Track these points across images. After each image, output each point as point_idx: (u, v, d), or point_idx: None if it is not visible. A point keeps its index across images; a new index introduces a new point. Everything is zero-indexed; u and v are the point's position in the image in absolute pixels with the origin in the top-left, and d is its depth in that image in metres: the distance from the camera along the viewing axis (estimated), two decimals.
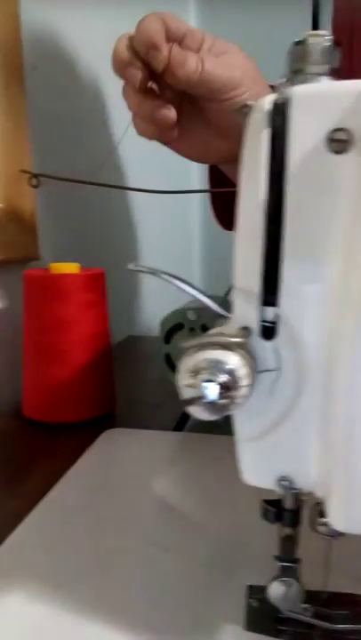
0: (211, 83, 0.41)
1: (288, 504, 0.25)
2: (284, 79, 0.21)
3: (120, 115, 0.50)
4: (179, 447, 0.48)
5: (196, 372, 0.20)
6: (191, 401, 0.20)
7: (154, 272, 0.26)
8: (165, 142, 0.48)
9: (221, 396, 0.20)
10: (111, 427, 0.52)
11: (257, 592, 0.28)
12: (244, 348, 0.21)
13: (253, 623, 0.27)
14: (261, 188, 0.21)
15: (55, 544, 0.33)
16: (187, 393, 0.20)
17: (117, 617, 0.27)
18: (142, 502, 0.38)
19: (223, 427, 0.49)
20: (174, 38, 0.41)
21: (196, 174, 1.20)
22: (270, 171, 0.21)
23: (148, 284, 1.05)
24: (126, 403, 0.59)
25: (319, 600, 0.26)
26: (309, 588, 0.26)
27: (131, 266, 0.27)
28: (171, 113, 0.44)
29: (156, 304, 1.04)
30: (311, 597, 0.26)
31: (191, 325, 0.52)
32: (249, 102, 0.22)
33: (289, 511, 0.25)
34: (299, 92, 0.20)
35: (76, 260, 0.54)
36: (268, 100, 0.21)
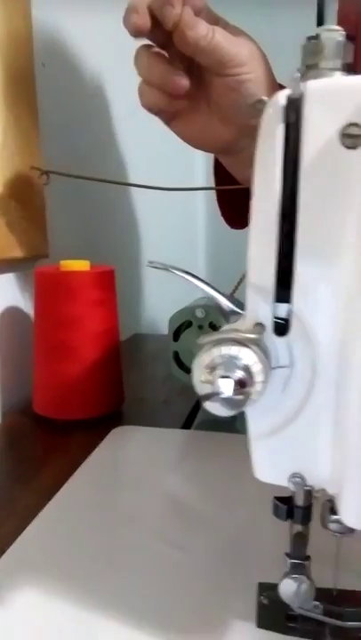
0: (219, 53, 0.42)
1: (299, 501, 0.25)
2: (298, 74, 0.21)
3: (127, 107, 0.49)
4: (187, 444, 0.48)
5: (212, 367, 0.20)
6: (207, 397, 0.20)
7: (169, 268, 0.27)
8: (169, 120, 0.47)
9: (237, 391, 0.20)
10: (120, 424, 0.52)
11: (267, 589, 0.28)
12: (258, 345, 0.21)
13: (264, 620, 0.27)
14: (276, 184, 0.21)
15: (68, 540, 0.33)
16: (203, 389, 0.20)
17: (129, 614, 0.27)
18: (152, 499, 0.38)
19: (230, 424, 0.50)
20: (191, 7, 0.41)
21: (200, 172, 1.20)
22: (284, 167, 0.21)
23: (154, 282, 1.06)
24: (134, 400, 0.59)
25: (329, 597, 0.26)
26: (319, 586, 0.26)
27: (148, 263, 0.27)
28: (183, 79, 0.43)
29: (161, 302, 1.04)
30: (321, 595, 0.26)
31: (200, 323, 0.52)
32: (263, 98, 0.22)
33: (300, 508, 0.25)
34: (313, 86, 0.20)
35: (84, 257, 0.54)
36: (282, 95, 0.21)
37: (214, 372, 0.19)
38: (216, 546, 0.33)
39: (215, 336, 0.21)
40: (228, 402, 0.19)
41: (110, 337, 0.54)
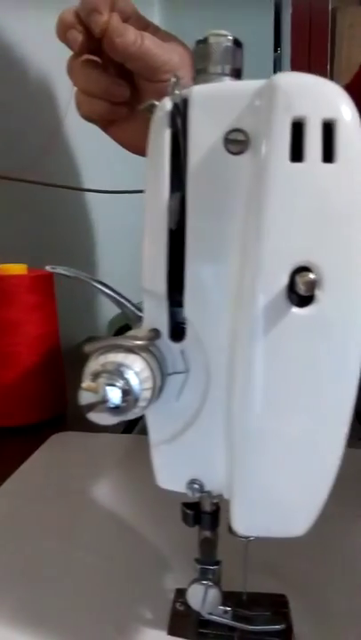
0: (149, 59, 0.41)
1: (205, 507, 0.25)
2: (174, 79, 0.21)
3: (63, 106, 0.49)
4: (126, 450, 0.48)
5: (96, 375, 0.19)
6: (91, 406, 0.19)
7: (71, 273, 0.26)
8: (106, 127, 0.47)
9: (122, 399, 0.19)
10: (62, 430, 0.51)
11: (184, 596, 0.28)
12: (149, 351, 0.21)
13: (176, 627, 0.27)
14: (165, 188, 0.21)
15: None
16: (87, 398, 0.19)
17: (41, 625, 0.27)
18: (81, 506, 0.38)
19: None
20: (119, 14, 0.41)
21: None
22: (172, 171, 0.21)
23: (111, 285, 1.04)
24: (78, 405, 0.58)
25: (239, 601, 0.26)
26: (230, 589, 0.26)
27: (49, 268, 0.27)
28: (123, 87, 0.43)
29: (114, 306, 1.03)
30: (231, 599, 0.26)
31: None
32: (155, 102, 0.22)
33: (207, 514, 0.25)
34: (197, 91, 0.20)
35: (25, 261, 0.53)
36: (168, 100, 0.20)
37: (98, 380, 0.19)
38: (141, 553, 0.33)
39: (103, 343, 0.20)
40: (112, 410, 0.19)
41: (50, 341, 0.53)
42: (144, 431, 0.54)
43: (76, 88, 0.44)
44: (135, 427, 0.54)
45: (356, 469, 0.41)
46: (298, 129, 0.18)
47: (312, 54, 1.24)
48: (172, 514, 0.25)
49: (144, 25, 0.43)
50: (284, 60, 1.40)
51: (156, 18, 1.29)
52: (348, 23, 1.66)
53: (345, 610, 0.27)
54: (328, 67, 1.32)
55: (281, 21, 1.36)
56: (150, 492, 0.23)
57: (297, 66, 1.31)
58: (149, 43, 0.41)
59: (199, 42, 0.21)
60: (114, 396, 0.19)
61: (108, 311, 1.03)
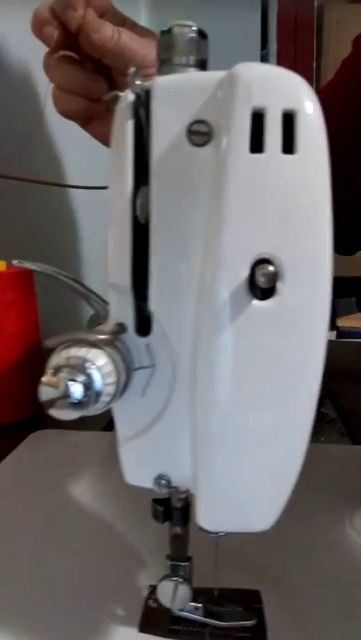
0: (126, 55, 0.41)
1: (175, 503, 0.25)
2: (133, 69, 0.20)
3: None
4: (106, 447, 0.47)
5: (57, 370, 0.19)
6: (52, 402, 0.19)
7: (39, 268, 0.26)
8: (85, 124, 0.47)
9: (84, 394, 0.19)
10: (42, 427, 0.51)
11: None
12: (113, 345, 0.21)
13: (147, 624, 0.26)
14: (127, 180, 0.20)
15: None
16: (46, 393, 0.19)
17: (14, 620, 0.26)
18: (58, 503, 0.37)
19: None
20: (95, 9, 0.40)
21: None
22: (141, 165, 0.20)
23: (100, 283, 1.04)
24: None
25: (211, 597, 0.26)
26: (203, 585, 0.26)
27: (15, 262, 0.26)
28: (102, 83, 0.43)
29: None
30: (203, 595, 0.26)
31: None
32: (118, 93, 0.21)
33: (178, 510, 0.25)
34: (160, 82, 0.20)
35: (4, 258, 0.52)
36: (130, 91, 0.20)
37: (59, 375, 0.19)
38: (115, 550, 0.32)
39: (66, 337, 0.20)
40: (74, 405, 0.19)
41: (29, 338, 0.52)
42: None
43: (52, 85, 0.44)
44: None
45: (333, 465, 0.41)
46: (258, 120, 0.18)
47: (298, 52, 1.24)
48: (149, 512, 0.25)
49: (120, 20, 0.43)
50: (270, 59, 1.41)
51: (142, 17, 1.29)
52: (335, 21, 1.67)
53: (318, 605, 0.27)
54: (314, 64, 1.32)
55: (268, 19, 1.36)
56: (129, 490, 0.23)
57: (284, 64, 1.30)
58: (126, 38, 0.41)
59: (163, 32, 0.21)
60: (75, 390, 0.19)
61: (89, 308, 1.03)
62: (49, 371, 0.19)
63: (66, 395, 0.19)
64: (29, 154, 0.76)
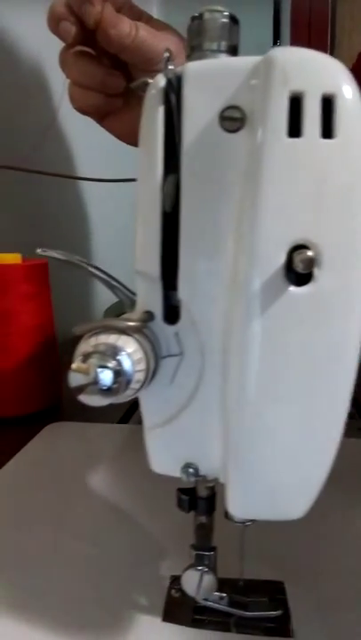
0: (144, 50, 0.41)
1: (201, 492, 0.24)
2: (167, 54, 0.20)
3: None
4: (122, 440, 0.47)
5: (87, 356, 0.19)
6: (82, 388, 0.19)
7: (64, 257, 0.26)
8: (101, 119, 0.46)
9: (114, 381, 0.19)
10: (57, 420, 0.51)
11: (179, 583, 0.27)
12: (142, 333, 0.21)
13: (171, 614, 0.26)
14: (158, 167, 0.20)
15: None
16: (76, 379, 0.19)
17: (35, 611, 0.26)
18: (76, 495, 0.37)
19: None
20: (112, 3, 0.40)
21: None
22: (167, 153, 0.20)
23: (113, 274, 1.04)
24: (70, 388, 0.58)
25: (235, 588, 0.26)
26: (226, 576, 0.26)
27: (39, 250, 0.26)
28: (119, 78, 0.42)
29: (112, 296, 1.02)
30: (228, 585, 0.26)
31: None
32: (148, 79, 0.21)
33: (203, 499, 0.25)
34: (191, 68, 0.20)
35: (19, 251, 0.52)
36: (161, 77, 0.20)
37: (89, 361, 0.19)
38: (137, 541, 0.32)
39: (95, 324, 0.20)
40: (104, 392, 0.19)
41: (44, 331, 0.52)
42: (140, 421, 0.54)
43: (69, 80, 0.44)
44: (131, 417, 0.54)
45: (354, 459, 0.41)
46: (296, 105, 0.17)
47: (312, 46, 1.23)
48: (168, 502, 0.25)
49: (137, 14, 0.42)
50: None
51: (153, 11, 1.28)
52: (349, 14, 1.65)
53: (342, 596, 0.27)
54: None
55: (280, 13, 1.35)
56: (146, 481, 0.23)
57: None
58: (144, 33, 0.40)
59: (194, 18, 0.21)
60: (105, 377, 0.19)
61: (104, 300, 1.03)
62: (78, 357, 0.19)
63: (95, 381, 0.19)
64: (46, 149, 0.76)
